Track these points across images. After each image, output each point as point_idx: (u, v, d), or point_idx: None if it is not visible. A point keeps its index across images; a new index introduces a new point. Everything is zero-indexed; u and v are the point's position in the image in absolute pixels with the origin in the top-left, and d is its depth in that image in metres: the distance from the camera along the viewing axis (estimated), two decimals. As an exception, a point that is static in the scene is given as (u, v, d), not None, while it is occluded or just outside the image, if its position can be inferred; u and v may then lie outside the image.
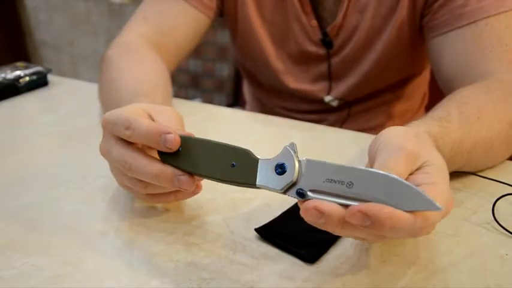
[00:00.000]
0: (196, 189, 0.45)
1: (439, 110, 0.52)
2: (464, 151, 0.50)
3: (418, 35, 0.75)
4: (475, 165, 0.55)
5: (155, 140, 0.42)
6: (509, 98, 0.56)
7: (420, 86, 0.92)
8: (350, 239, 0.45)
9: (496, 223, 0.47)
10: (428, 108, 0.98)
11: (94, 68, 2.60)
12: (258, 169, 0.38)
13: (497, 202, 0.48)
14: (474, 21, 0.64)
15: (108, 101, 0.63)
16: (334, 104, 0.86)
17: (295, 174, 0.36)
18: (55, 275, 0.41)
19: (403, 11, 0.73)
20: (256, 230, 0.46)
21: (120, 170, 0.46)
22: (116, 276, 0.41)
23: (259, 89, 0.96)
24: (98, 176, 0.57)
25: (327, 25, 0.79)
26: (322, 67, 0.84)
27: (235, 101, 2.39)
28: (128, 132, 0.43)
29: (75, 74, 2.71)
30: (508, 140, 0.55)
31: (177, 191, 0.46)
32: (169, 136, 0.41)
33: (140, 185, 0.45)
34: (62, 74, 0.94)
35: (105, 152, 0.46)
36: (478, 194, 0.52)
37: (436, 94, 0.83)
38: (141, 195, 0.47)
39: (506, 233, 0.46)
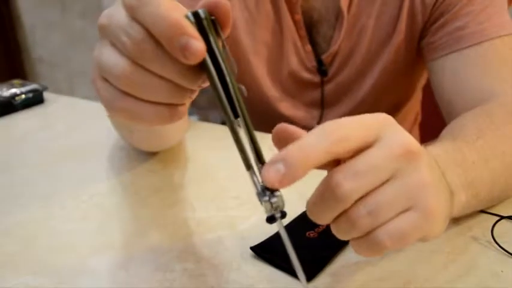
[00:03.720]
0: (180, 113, 0.33)
1: (435, 146, 0.46)
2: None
3: (414, 58, 0.75)
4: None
5: (172, 36, 0.29)
6: None
7: (413, 107, 0.91)
8: (346, 257, 0.45)
9: (491, 239, 0.47)
10: (422, 126, 0.98)
11: (90, 84, 2.60)
12: None
13: (491, 219, 0.49)
14: (478, 43, 0.64)
15: None
16: None
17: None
18: (49, 295, 0.41)
19: (400, 35, 0.72)
20: (252, 248, 0.46)
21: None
22: (110, 296, 0.41)
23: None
24: (93, 194, 0.57)
25: (321, 51, 0.77)
26: (315, 94, 0.81)
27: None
28: (134, 2, 0.30)
29: (71, 91, 2.71)
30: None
31: (159, 107, 0.32)
32: (194, 43, 0.29)
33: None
34: (58, 91, 0.95)
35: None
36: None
37: (430, 109, 0.83)
38: (116, 95, 0.32)
39: (502, 250, 0.46)
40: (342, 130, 0.31)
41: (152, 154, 0.66)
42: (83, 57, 2.58)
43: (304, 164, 0.30)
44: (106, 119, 0.62)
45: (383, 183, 0.32)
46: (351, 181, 0.31)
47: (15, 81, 0.91)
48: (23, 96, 0.86)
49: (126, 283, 0.42)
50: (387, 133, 0.32)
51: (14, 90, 0.86)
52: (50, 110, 0.87)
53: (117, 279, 0.43)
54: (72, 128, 0.78)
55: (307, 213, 0.34)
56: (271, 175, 0.30)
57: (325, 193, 0.32)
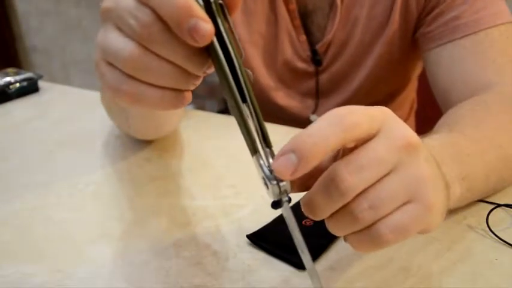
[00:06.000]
0: (185, 99, 0.33)
1: (431, 138, 0.45)
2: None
3: (409, 48, 0.75)
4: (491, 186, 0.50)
5: (181, 18, 0.28)
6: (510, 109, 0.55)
7: (408, 96, 0.91)
8: (342, 245, 0.45)
9: (486, 227, 0.47)
10: (418, 113, 0.98)
11: (85, 73, 2.59)
12: None
13: (486, 207, 0.49)
14: (473, 32, 0.63)
15: None
16: None
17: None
18: (45, 283, 0.41)
19: (394, 25, 0.72)
20: (248, 236, 0.46)
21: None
22: (107, 284, 0.41)
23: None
24: (89, 182, 0.57)
25: (316, 40, 0.77)
26: (310, 84, 0.81)
27: (227, 107, 2.39)
28: None
29: (66, 80, 2.70)
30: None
31: (165, 91, 0.32)
32: (203, 25, 0.28)
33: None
34: (53, 79, 0.94)
35: None
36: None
37: (426, 97, 0.83)
38: (122, 78, 0.32)
39: (497, 238, 0.46)
40: (354, 116, 0.30)
41: (148, 143, 0.66)
42: (78, 46, 2.57)
43: (318, 152, 0.29)
44: (101, 108, 0.62)
45: (384, 176, 0.31)
46: (355, 175, 0.30)
47: (10, 70, 0.90)
48: (18, 84, 0.85)
49: (123, 271, 0.42)
50: (388, 125, 0.32)
51: (8, 79, 0.85)
52: (45, 99, 0.86)
53: (114, 267, 0.43)
54: (68, 117, 0.78)
55: (303, 208, 0.33)
56: (283, 167, 0.29)
57: (329, 188, 0.30)
